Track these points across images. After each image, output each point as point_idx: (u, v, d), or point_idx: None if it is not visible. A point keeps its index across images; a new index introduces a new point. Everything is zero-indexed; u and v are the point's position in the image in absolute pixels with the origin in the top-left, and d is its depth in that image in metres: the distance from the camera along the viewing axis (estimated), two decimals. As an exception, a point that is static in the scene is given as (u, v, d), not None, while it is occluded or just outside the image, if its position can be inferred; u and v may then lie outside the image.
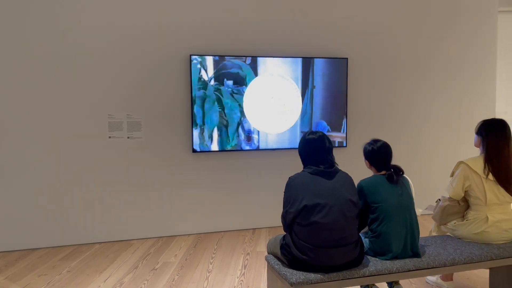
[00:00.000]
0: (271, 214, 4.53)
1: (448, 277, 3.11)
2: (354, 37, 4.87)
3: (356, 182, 2.54)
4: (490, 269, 3.05)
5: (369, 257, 2.49)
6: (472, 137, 2.97)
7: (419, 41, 5.07)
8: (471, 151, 3.13)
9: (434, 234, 3.09)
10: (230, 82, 4.43)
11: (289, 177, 2.44)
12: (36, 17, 4.04)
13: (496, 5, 5.34)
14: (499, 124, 2.78)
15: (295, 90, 4.62)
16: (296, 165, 2.52)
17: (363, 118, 4.96)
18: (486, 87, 5.36)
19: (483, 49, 5.31)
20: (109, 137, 4.29)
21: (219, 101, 4.42)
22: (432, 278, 3.20)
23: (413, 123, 5.13)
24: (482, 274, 3.31)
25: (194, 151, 4.41)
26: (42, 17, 4.05)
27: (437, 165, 5.10)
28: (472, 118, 4.71)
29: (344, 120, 4.80)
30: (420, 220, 4.79)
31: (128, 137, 4.34)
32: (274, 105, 4.58)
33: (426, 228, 4.42)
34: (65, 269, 3.61)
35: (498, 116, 8.70)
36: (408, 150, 5.09)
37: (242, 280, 3.34)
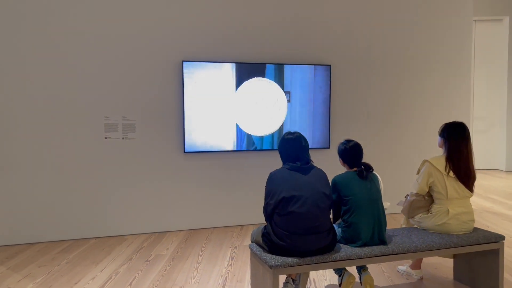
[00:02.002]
0: (258, 211, 4.75)
1: (416, 266, 3.41)
2: (336, 45, 5.20)
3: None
4: (454, 258, 3.37)
5: (341, 244, 2.79)
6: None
7: (398, 48, 5.41)
8: (440, 152, 3.43)
9: (403, 226, 3.39)
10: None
11: (270, 173, 2.74)
12: (33, 21, 4.28)
13: (471, 15, 5.69)
14: (458, 126, 3.09)
15: (281, 95, 4.92)
16: (280, 165, 2.83)
17: (346, 121, 5.28)
18: (462, 93, 5.69)
19: (459, 57, 5.64)
20: (105, 138, 4.54)
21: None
22: (402, 268, 3.50)
23: (391, 125, 5.46)
24: (448, 264, 3.62)
25: (185, 151, 4.68)
26: (39, 22, 4.30)
27: (411, 164, 5.39)
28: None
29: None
30: (394, 215, 5.17)
31: (123, 138, 4.59)
32: (261, 108, 4.87)
33: (398, 221, 4.77)
34: (63, 261, 3.86)
35: (478, 121, 9.12)
36: (384, 149, 5.43)
37: (229, 270, 3.62)
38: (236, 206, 4.99)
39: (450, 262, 3.59)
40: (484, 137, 9.14)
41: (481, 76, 9.19)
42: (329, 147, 5.15)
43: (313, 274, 3.46)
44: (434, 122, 5.42)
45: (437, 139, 3.25)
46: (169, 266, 3.72)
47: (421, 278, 3.38)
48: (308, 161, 2.73)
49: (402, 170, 5.43)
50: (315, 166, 2.76)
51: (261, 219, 4.91)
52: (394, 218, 5.12)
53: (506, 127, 8.97)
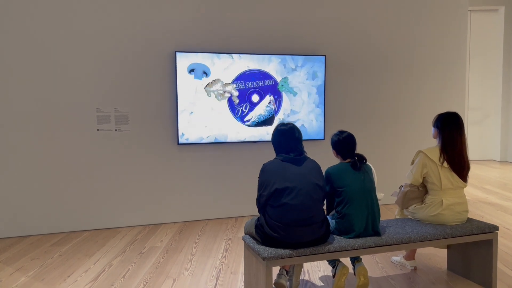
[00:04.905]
0: (252, 203, 4.76)
1: (410, 257, 3.41)
2: (331, 36, 5.15)
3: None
4: (448, 249, 3.37)
5: (335, 236, 2.77)
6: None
7: (393, 39, 5.38)
8: (435, 143, 3.42)
9: (397, 217, 3.38)
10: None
11: (263, 164, 2.71)
12: (24, 12, 4.21)
13: (467, 4, 5.65)
14: (452, 116, 3.07)
15: (275, 85, 4.88)
16: (274, 156, 2.81)
17: (340, 113, 5.26)
18: (457, 84, 5.67)
19: (454, 47, 5.62)
20: (98, 130, 4.50)
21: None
22: (396, 258, 3.51)
23: (385, 117, 5.44)
24: (441, 254, 3.63)
25: (179, 143, 4.65)
26: (30, 13, 4.23)
27: (406, 155, 5.39)
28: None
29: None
30: (388, 206, 5.17)
31: (115, 130, 4.55)
32: (255, 99, 4.84)
33: (392, 212, 4.77)
34: (56, 254, 3.83)
35: (472, 111, 9.11)
36: (380, 141, 5.42)
37: (223, 262, 3.61)
38: (231, 198, 4.97)
39: (444, 252, 3.60)
40: (478, 127, 9.16)
41: (476, 67, 9.18)
42: (323, 139, 5.13)
43: (307, 266, 3.46)
44: (428, 112, 5.41)
45: (431, 129, 3.23)
46: (162, 258, 3.70)
47: (415, 269, 3.38)
48: (301, 152, 2.71)
49: (396, 161, 5.43)
50: (308, 157, 2.74)
51: (256, 211, 4.91)
52: (389, 209, 5.13)
53: (501, 118, 8.98)
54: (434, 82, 5.58)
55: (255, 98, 4.83)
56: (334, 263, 2.94)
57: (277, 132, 2.75)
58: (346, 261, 3.13)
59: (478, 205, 5.35)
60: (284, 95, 4.92)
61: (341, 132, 2.94)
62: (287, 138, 2.71)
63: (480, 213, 4.93)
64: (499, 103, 9.00)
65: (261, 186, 2.64)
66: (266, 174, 2.64)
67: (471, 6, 8.67)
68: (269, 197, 2.57)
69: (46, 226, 4.41)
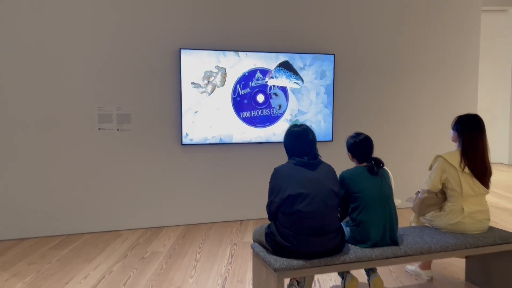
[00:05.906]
0: (258, 206, 4.62)
1: (426, 266, 3.24)
2: (341, 34, 4.98)
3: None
4: (466, 258, 3.20)
5: (350, 245, 2.60)
6: (452, 133, 3.09)
7: (404, 39, 5.20)
8: (451, 146, 3.25)
9: (413, 224, 3.21)
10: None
11: (275, 168, 2.54)
12: (27, 10, 4.06)
13: (480, 4, 5.48)
14: (473, 119, 2.91)
15: (282, 85, 4.72)
16: (283, 158, 2.63)
17: (349, 113, 5.09)
18: (469, 85, 5.50)
19: (466, 47, 5.44)
20: (99, 129, 4.34)
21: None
22: (411, 267, 3.34)
23: (397, 118, 5.27)
24: (459, 264, 3.46)
25: (183, 143, 4.48)
26: (32, 10, 4.07)
27: (419, 159, 5.25)
28: (454, 114, 4.80)
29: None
30: (401, 212, 4.98)
31: (117, 129, 4.39)
32: (260, 99, 4.67)
33: (407, 219, 4.57)
34: (54, 258, 3.67)
35: (480, 113, 8.91)
36: (391, 144, 5.24)
37: (229, 269, 3.44)
38: (236, 200, 4.80)
39: (461, 262, 3.43)
40: (486, 130, 8.97)
41: (484, 68, 9.00)
42: (331, 140, 4.96)
43: (317, 275, 3.29)
44: (442, 114, 5.26)
45: (448, 132, 3.06)
46: (165, 264, 3.54)
47: (431, 279, 3.21)
48: (315, 155, 2.53)
49: (407, 165, 5.26)
50: (323, 161, 2.57)
51: (261, 214, 4.77)
52: (401, 214, 4.92)
53: (510, 120, 8.80)
54: (446, 83, 5.40)
55: (260, 98, 4.66)
56: (342, 274, 2.78)
57: (290, 134, 2.58)
58: (360, 271, 2.97)
59: (491, 210, 5.16)
60: (291, 94, 4.75)
61: (358, 134, 2.77)
62: (301, 141, 2.53)
63: (494, 219, 4.75)
64: (508, 105, 8.82)
65: (273, 191, 2.47)
66: (278, 179, 2.47)
67: (482, 6, 8.49)
68: (281, 204, 2.40)
69: (44, 228, 4.25)
